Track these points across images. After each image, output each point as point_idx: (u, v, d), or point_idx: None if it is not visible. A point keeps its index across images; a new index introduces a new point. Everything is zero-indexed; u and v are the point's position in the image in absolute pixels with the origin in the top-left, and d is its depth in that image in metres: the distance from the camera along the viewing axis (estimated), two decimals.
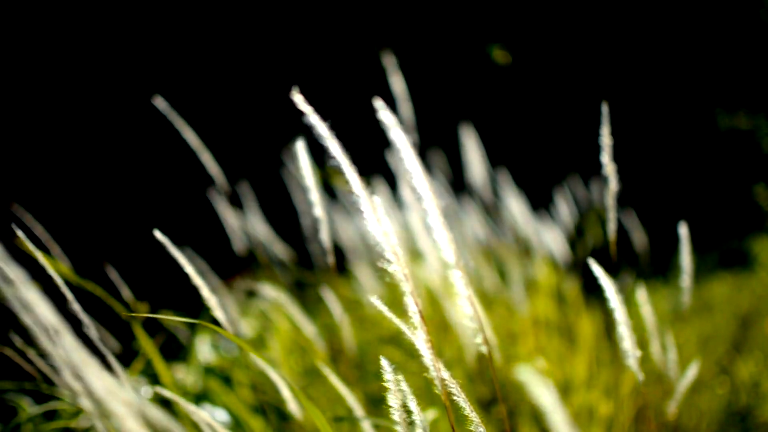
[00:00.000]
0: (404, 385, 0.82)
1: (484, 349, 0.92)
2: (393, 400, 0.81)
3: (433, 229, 0.88)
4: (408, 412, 0.83)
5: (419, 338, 0.82)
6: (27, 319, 0.77)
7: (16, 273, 0.78)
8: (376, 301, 0.84)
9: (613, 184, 1.23)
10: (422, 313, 0.83)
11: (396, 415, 0.82)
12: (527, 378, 0.66)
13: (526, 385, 0.65)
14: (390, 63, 2.14)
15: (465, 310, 0.90)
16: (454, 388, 0.83)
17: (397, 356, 2.14)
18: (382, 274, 2.80)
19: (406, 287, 0.82)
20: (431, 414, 1.45)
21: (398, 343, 2.20)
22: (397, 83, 2.13)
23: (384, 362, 0.81)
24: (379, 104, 0.89)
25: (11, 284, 0.77)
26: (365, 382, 2.07)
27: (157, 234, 1.13)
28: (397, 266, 0.83)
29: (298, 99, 0.87)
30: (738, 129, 6.44)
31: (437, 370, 0.82)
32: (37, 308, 0.81)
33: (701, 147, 6.53)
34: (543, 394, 0.64)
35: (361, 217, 0.84)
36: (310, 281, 2.96)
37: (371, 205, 0.83)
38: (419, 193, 0.88)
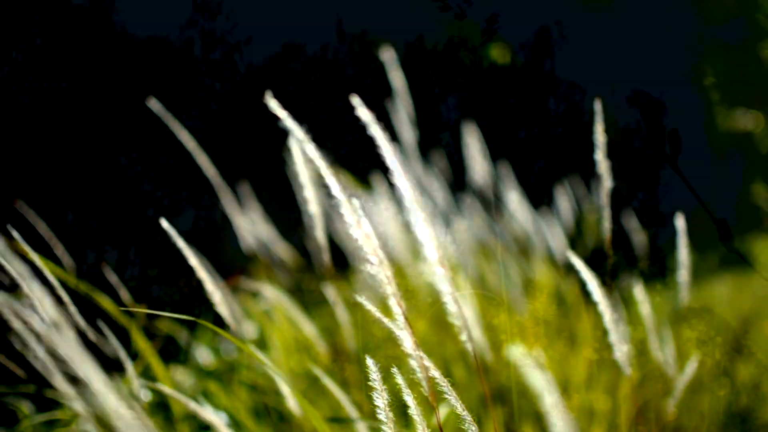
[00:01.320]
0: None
1: (470, 347, 0.91)
2: (379, 400, 0.80)
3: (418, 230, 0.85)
4: (404, 410, 0.82)
5: (405, 339, 0.81)
6: (20, 320, 0.76)
7: (19, 270, 0.77)
8: (366, 302, 0.83)
9: (606, 183, 1.22)
10: (406, 315, 0.82)
11: (382, 415, 0.81)
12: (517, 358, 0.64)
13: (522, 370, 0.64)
14: (389, 58, 2.11)
15: (463, 310, 0.90)
16: (446, 387, 0.82)
17: (401, 353, 2.12)
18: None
19: (389, 290, 0.81)
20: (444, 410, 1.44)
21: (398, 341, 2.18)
22: (397, 79, 2.11)
23: (370, 362, 0.80)
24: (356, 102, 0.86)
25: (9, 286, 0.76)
26: (368, 383, 2.05)
27: (164, 223, 1.11)
28: (379, 269, 0.82)
29: (273, 104, 0.86)
30: (737, 129, 6.44)
31: (423, 370, 0.81)
32: (40, 305, 0.80)
33: (700, 146, 6.51)
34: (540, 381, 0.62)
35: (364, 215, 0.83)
36: (310, 282, 2.96)
37: (350, 208, 0.82)
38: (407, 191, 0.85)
